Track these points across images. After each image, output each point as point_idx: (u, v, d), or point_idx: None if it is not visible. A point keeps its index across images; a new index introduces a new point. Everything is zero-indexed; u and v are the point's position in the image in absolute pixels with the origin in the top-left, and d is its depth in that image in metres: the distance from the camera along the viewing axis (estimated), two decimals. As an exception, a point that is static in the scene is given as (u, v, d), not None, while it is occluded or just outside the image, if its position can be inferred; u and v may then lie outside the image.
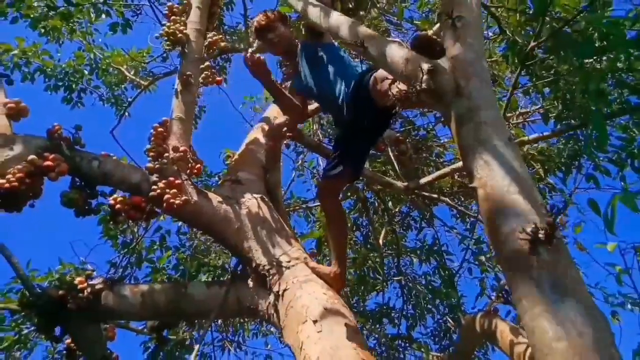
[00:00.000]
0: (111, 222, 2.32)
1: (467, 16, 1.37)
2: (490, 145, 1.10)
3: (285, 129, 2.79)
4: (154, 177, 2.31)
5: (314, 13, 1.84)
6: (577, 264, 1.00)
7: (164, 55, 6.18)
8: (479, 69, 1.26)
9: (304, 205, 5.84)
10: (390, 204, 5.17)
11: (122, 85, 6.79)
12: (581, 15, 2.27)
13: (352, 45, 1.52)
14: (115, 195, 2.31)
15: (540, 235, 0.90)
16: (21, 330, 3.70)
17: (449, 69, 1.26)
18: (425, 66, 1.25)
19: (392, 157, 4.23)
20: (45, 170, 2.10)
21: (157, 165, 2.33)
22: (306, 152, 5.98)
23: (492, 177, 1.05)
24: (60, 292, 2.33)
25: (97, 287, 2.37)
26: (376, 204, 5.30)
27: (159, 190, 2.23)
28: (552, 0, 2.06)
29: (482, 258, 4.41)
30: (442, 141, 5.16)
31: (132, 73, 6.48)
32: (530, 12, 2.60)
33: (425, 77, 1.23)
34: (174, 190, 2.24)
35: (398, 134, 4.73)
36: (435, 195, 3.85)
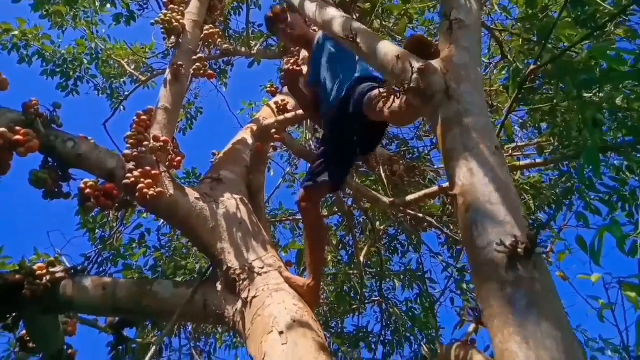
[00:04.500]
0: (79, 207, 2.19)
1: (466, 20, 1.31)
2: (475, 152, 1.02)
3: (273, 130, 2.70)
4: (130, 165, 2.21)
5: (310, 8, 1.78)
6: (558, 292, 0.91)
7: (166, 52, 6.15)
8: (472, 74, 1.19)
9: (290, 217, 5.74)
10: (377, 223, 5.06)
11: (122, 79, 6.73)
12: (583, 46, 2.23)
13: (343, 39, 1.45)
14: (86, 179, 2.20)
15: (519, 250, 0.81)
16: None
17: (440, 70, 1.18)
18: (416, 64, 1.17)
19: (383, 176, 4.15)
20: (14, 145, 1.99)
21: (135, 153, 2.23)
22: (297, 162, 5.90)
23: (474, 185, 0.96)
24: (17, 276, 2.20)
25: (57, 275, 2.24)
26: (362, 222, 5.21)
27: (132, 179, 2.12)
28: (554, 26, 2.01)
29: (464, 286, 4.30)
30: (435, 166, 5.08)
31: (132, 67, 6.43)
32: (534, 38, 2.56)
33: (414, 75, 1.16)
34: (149, 180, 2.13)
35: (392, 154, 4.67)
36: (420, 215, 3.76)
